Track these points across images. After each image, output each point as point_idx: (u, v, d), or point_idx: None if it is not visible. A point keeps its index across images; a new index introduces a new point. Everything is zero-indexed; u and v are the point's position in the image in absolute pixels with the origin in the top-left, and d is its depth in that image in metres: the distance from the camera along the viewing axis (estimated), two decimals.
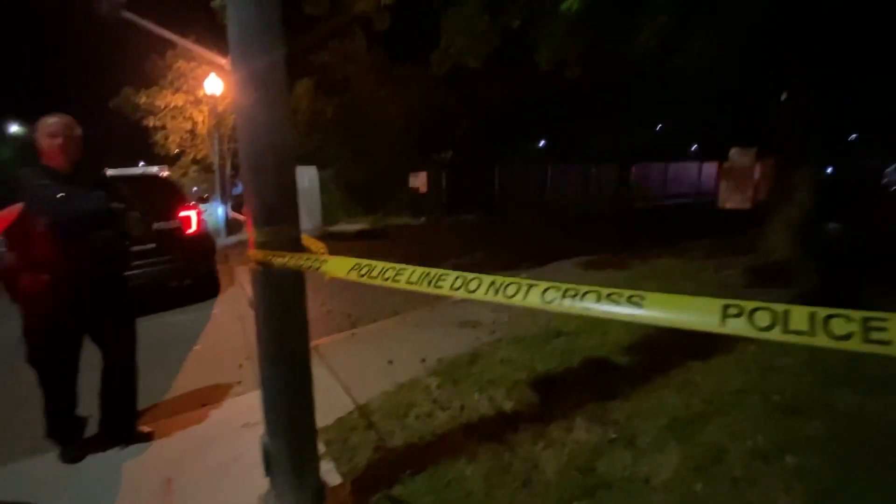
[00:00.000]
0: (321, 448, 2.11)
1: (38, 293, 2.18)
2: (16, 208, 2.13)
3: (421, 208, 15.65)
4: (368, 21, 6.24)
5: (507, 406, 2.68)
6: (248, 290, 5.99)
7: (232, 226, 13.22)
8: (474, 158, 17.77)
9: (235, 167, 15.97)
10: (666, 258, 6.75)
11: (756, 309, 0.78)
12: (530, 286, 1.03)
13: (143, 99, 15.05)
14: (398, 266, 1.26)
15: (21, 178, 2.20)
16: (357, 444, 2.38)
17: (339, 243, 10.05)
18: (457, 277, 1.13)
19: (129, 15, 10.27)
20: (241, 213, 13.85)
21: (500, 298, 1.06)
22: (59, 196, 2.16)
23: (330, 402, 2.77)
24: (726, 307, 0.80)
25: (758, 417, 2.41)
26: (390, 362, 3.46)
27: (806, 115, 5.46)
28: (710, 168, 22.57)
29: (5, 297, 2.32)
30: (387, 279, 1.25)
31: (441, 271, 1.18)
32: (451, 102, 15.27)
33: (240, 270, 7.35)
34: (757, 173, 12.54)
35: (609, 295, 0.93)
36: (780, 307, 0.76)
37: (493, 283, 1.07)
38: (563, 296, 0.97)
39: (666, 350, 3.20)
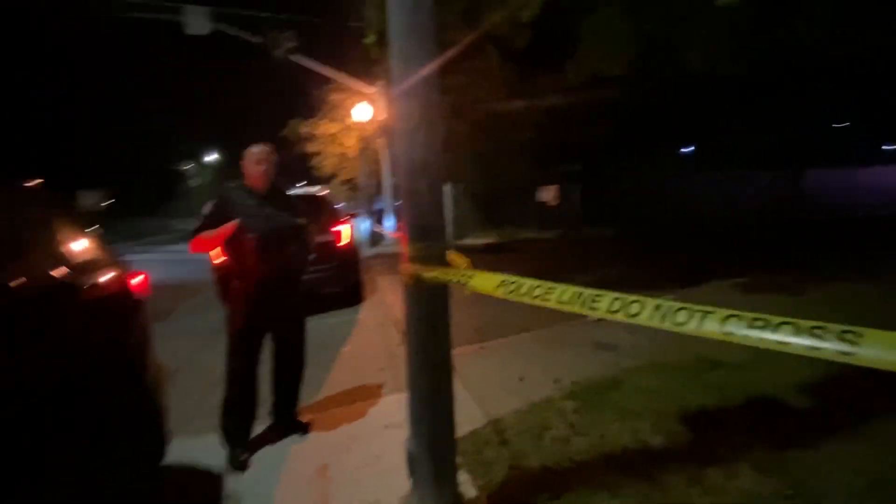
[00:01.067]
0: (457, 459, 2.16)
1: (243, 296, 2.59)
2: (232, 224, 2.48)
3: (551, 222, 15.33)
4: (501, 39, 6.37)
5: (654, 440, 2.44)
6: (389, 299, 6.48)
7: (374, 239, 14.47)
8: (609, 169, 16.87)
9: (377, 186, 17.54)
10: (850, 282, 5.57)
11: None
12: (706, 313, 0.92)
13: (305, 129, 17.42)
14: (548, 284, 1.23)
15: (232, 197, 2.61)
16: (491, 460, 2.38)
17: (467, 257, 10.31)
18: (615, 299, 1.06)
19: (297, 57, 12.06)
20: (381, 227, 15.12)
21: (667, 325, 0.97)
22: (262, 214, 2.56)
23: (463, 414, 2.81)
24: None
25: None
26: (521, 379, 3.41)
27: None
28: None
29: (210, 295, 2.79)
30: (536, 297, 1.24)
31: (595, 292, 1.12)
32: (584, 112, 14.76)
33: (381, 280, 7.97)
34: None
35: (813, 329, 0.79)
36: None
37: (658, 307, 0.99)
38: (750, 326, 0.85)
39: (860, 393, 2.62)
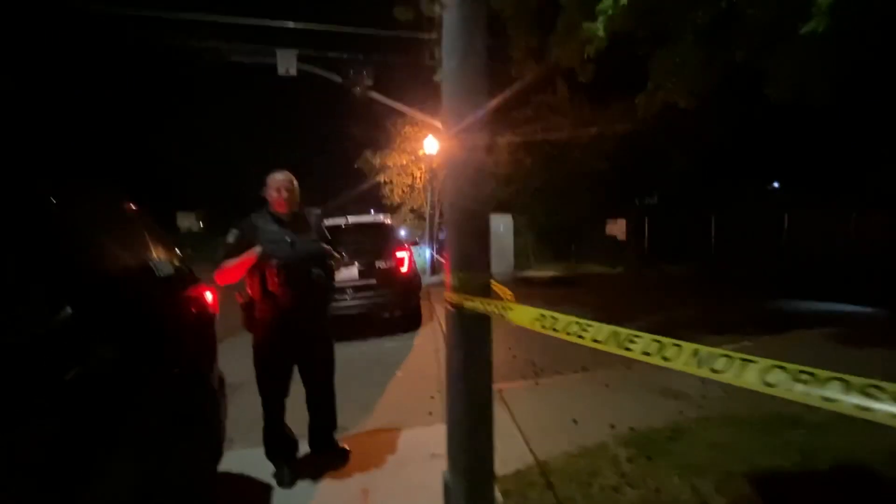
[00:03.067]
0: (498, 497, 2.09)
1: (268, 322, 2.54)
2: (255, 251, 2.47)
3: (618, 257, 14.71)
4: (571, 72, 6.39)
5: (717, 501, 2.21)
6: (445, 326, 6.51)
7: (436, 267, 14.70)
8: (685, 203, 15.98)
9: (442, 215, 17.93)
10: None
11: None
12: (746, 361, 0.86)
13: (378, 160, 18.35)
14: (584, 322, 1.20)
15: (256, 223, 2.59)
16: (535, 503, 2.28)
17: (527, 289, 10.13)
18: (652, 341, 1.01)
19: (373, 94, 12.87)
20: (443, 257, 15.36)
21: (703, 372, 0.91)
22: (286, 240, 2.54)
23: (509, 450, 2.74)
24: None
25: None
26: (575, 421, 3.25)
27: None
28: None
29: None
30: (570, 334, 1.21)
31: (632, 332, 1.08)
32: (657, 144, 14.23)
33: (439, 308, 8.05)
34: None
35: (867, 387, 0.71)
36: None
37: (696, 352, 0.93)
38: (795, 379, 0.78)
39: None
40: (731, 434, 2.88)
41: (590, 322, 1.18)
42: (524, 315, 1.39)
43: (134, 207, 2.28)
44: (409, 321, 6.70)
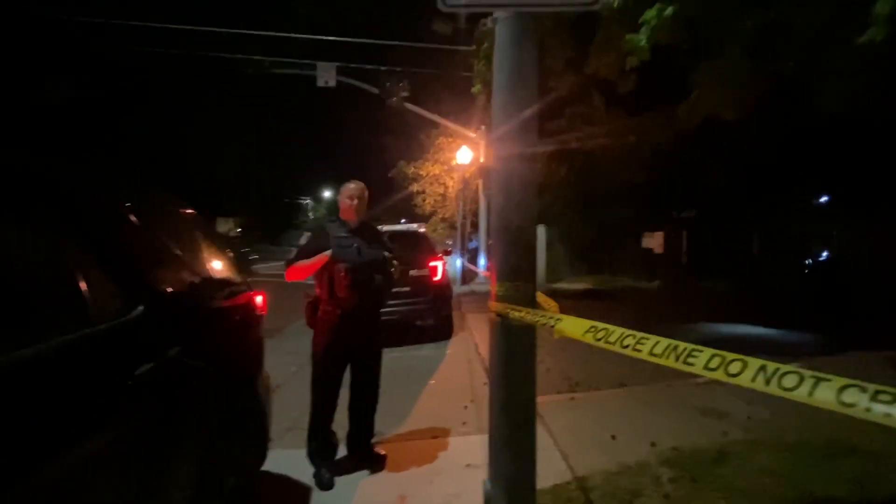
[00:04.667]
0: None
1: (329, 323, 2.70)
2: (325, 255, 2.64)
3: (655, 271, 14.32)
4: (607, 83, 6.33)
5: None
6: (477, 336, 6.49)
7: (466, 276, 14.70)
8: (725, 217, 15.44)
9: (473, 225, 17.94)
10: None
11: None
12: (818, 379, 0.83)
13: (412, 169, 18.62)
14: (640, 334, 1.19)
15: (327, 229, 2.78)
16: None
17: (559, 302, 9.96)
18: (713, 356, 1.00)
19: (409, 105, 13.11)
20: (474, 266, 15.33)
21: (772, 389, 0.88)
22: (354, 246, 2.74)
23: (546, 465, 2.69)
24: None
25: None
26: (613, 438, 3.18)
27: None
28: None
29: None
30: (626, 346, 1.20)
31: (692, 346, 1.06)
32: (697, 156, 13.83)
33: (470, 317, 8.03)
34: None
35: None
36: None
37: (763, 368, 0.91)
38: (873, 399, 0.75)
39: None
40: (781, 459, 2.75)
41: (646, 335, 1.17)
42: (574, 326, 1.39)
43: (190, 212, 2.41)
44: (442, 330, 6.72)
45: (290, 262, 2.77)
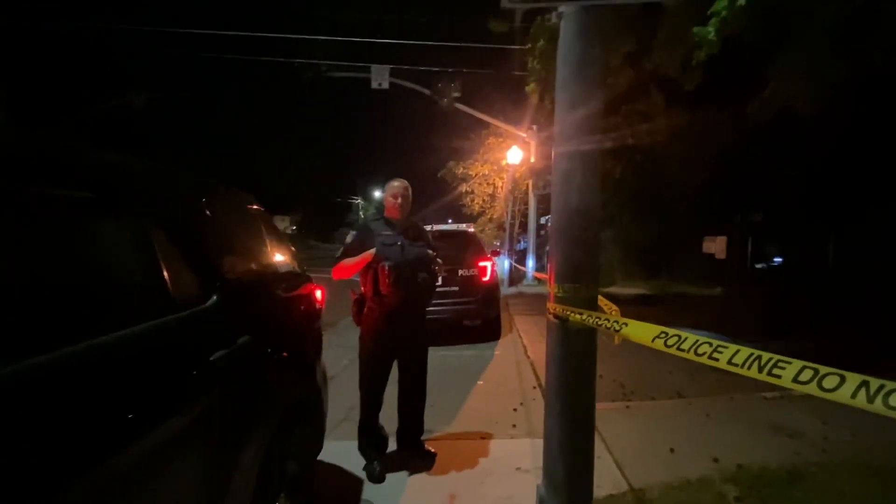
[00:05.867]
0: None
1: (375, 320, 2.74)
2: (370, 253, 2.68)
3: (717, 277, 13.52)
4: (666, 78, 6.03)
5: None
6: (525, 338, 6.40)
7: (514, 277, 14.53)
8: (795, 221, 14.34)
9: (522, 226, 17.72)
10: None
11: None
12: None
13: (461, 169, 18.65)
14: (716, 342, 1.12)
15: (372, 227, 2.82)
16: None
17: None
18: (804, 368, 0.92)
19: (459, 105, 13.14)
20: (522, 267, 15.13)
21: (877, 407, 0.80)
22: (398, 244, 2.75)
23: (601, 474, 2.60)
24: None
25: None
26: (672, 451, 3.02)
27: None
28: None
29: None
30: (701, 354, 1.13)
31: (778, 357, 0.98)
32: (765, 156, 12.94)
33: (518, 319, 7.93)
34: None
35: None
36: None
37: (865, 383, 0.83)
38: None
39: None
40: (861, 483, 2.52)
41: (724, 343, 1.10)
42: (642, 332, 1.33)
43: (257, 208, 2.52)
44: (489, 331, 6.68)
45: (336, 261, 2.81)
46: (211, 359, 1.43)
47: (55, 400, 0.96)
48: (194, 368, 1.37)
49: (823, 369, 0.90)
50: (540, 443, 1.99)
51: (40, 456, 0.89)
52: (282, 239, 2.61)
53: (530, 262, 14.79)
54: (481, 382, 4.71)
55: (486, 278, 6.43)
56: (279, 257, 2.40)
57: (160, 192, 1.55)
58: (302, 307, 2.38)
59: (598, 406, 3.86)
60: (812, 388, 0.89)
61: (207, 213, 1.75)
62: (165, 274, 1.37)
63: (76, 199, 1.20)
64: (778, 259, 6.93)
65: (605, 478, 2.61)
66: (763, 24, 4.04)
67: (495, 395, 4.27)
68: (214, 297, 1.53)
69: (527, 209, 15.78)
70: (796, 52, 4.33)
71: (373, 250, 2.69)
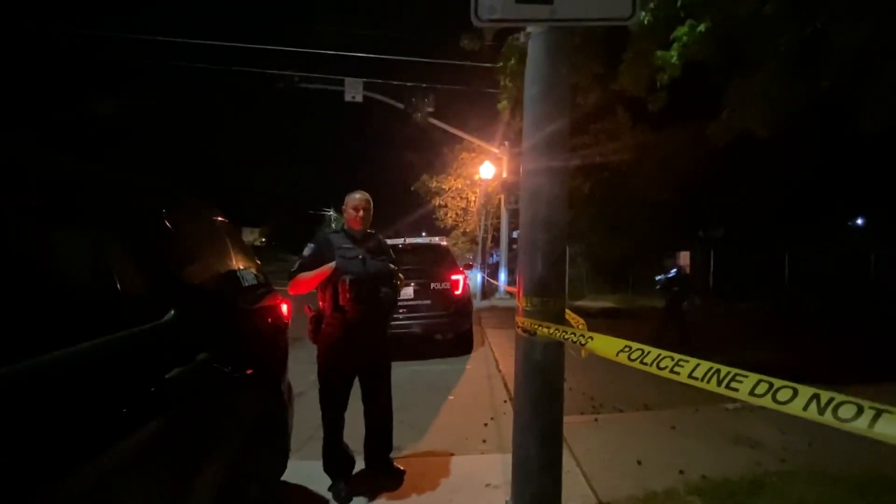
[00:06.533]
0: None
1: (333, 336, 2.61)
2: (329, 266, 2.56)
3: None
4: (633, 99, 6.27)
5: None
6: (497, 352, 6.41)
7: (486, 291, 14.61)
8: (754, 238, 15.03)
9: (494, 239, 17.90)
10: None
11: None
12: (879, 411, 0.78)
13: (434, 183, 18.74)
14: (678, 356, 1.14)
15: (331, 239, 2.70)
16: None
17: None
18: (760, 381, 0.95)
19: (433, 120, 13.26)
20: (494, 280, 15.23)
21: (826, 419, 0.83)
22: (359, 257, 2.67)
23: (569, 487, 2.60)
24: None
25: None
26: (639, 463, 3.06)
27: None
28: None
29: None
30: (663, 368, 1.15)
31: (735, 370, 1.01)
32: (726, 175, 13.55)
33: (490, 332, 7.95)
34: None
35: None
36: None
37: (816, 396, 0.86)
38: None
39: None
40: (820, 492, 2.60)
41: (685, 357, 1.12)
42: (607, 345, 1.35)
43: (222, 220, 2.45)
44: (461, 345, 6.66)
45: (292, 275, 2.65)
46: (167, 376, 1.37)
47: None
48: (148, 386, 1.30)
49: (778, 382, 0.93)
50: (510, 458, 1.98)
51: None
52: (247, 252, 2.54)
53: (502, 276, 14.90)
54: (452, 397, 4.67)
55: (459, 292, 6.43)
56: (244, 271, 2.33)
57: (116, 202, 1.48)
58: (267, 321, 2.31)
59: (567, 419, 3.88)
60: (767, 401, 0.92)
61: (167, 224, 1.68)
62: (119, 286, 1.30)
63: (24, 206, 1.14)
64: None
65: (574, 490, 2.61)
66: (722, 50, 4.26)
67: (466, 410, 4.23)
68: (172, 312, 1.46)
69: (499, 223, 15.96)
70: (752, 78, 4.58)
71: (332, 264, 2.58)
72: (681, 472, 2.89)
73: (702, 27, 3.78)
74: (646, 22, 4.28)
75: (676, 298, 7.55)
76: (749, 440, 3.39)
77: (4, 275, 1.04)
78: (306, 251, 2.71)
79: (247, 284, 2.26)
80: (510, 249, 15.31)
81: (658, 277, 7.90)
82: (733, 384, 0.99)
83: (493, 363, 5.96)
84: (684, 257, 14.64)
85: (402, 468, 2.91)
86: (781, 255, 14.07)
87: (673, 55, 4.07)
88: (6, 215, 1.08)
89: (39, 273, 1.16)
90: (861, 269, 14.01)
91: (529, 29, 1.80)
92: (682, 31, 3.93)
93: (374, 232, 2.87)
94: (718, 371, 1.03)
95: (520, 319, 1.80)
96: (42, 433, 0.97)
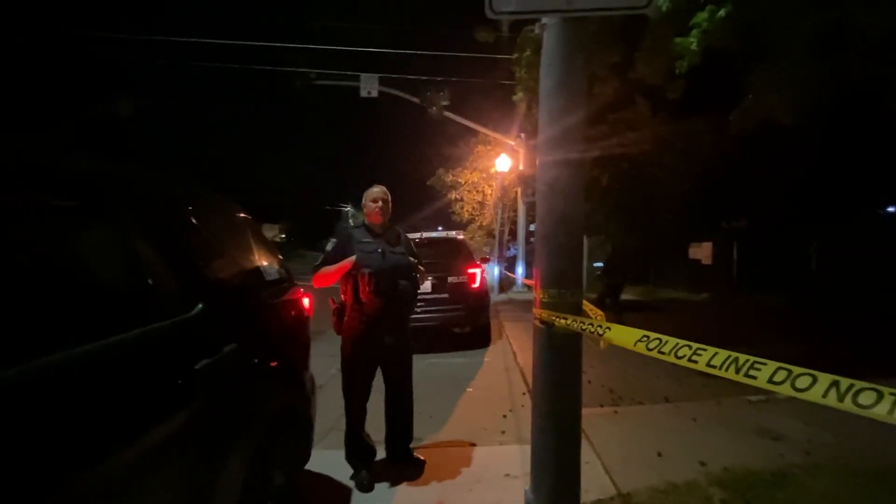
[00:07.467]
0: None
1: (355, 329, 2.70)
2: (350, 260, 2.65)
3: (703, 283, 13.71)
4: (652, 88, 6.15)
5: None
6: (514, 345, 6.41)
7: (504, 284, 14.58)
8: (779, 228, 14.62)
9: (511, 232, 17.83)
10: None
11: None
12: None
13: (450, 177, 18.75)
14: (696, 345, 1.15)
15: (352, 234, 2.79)
16: None
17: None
18: (778, 369, 0.95)
19: (448, 113, 13.24)
20: (512, 273, 15.19)
21: (846, 406, 0.83)
22: (378, 251, 2.71)
23: (589, 479, 2.61)
24: None
25: None
26: (659, 454, 3.05)
27: None
28: None
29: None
30: (681, 357, 1.15)
31: (754, 359, 1.01)
32: (748, 164, 13.18)
33: (508, 325, 7.95)
34: None
35: None
36: None
37: (835, 383, 0.85)
38: None
39: None
40: (844, 486, 2.56)
41: (703, 346, 1.12)
42: (625, 336, 1.35)
43: (244, 216, 2.52)
44: (479, 338, 6.69)
45: (315, 269, 2.77)
46: (196, 367, 1.43)
47: (35, 409, 0.95)
48: (178, 377, 1.36)
49: (797, 370, 0.93)
50: (529, 449, 2.00)
51: (19, 466, 0.88)
52: (269, 247, 2.60)
53: (520, 269, 14.84)
54: (470, 389, 4.71)
55: (476, 285, 6.45)
56: (267, 265, 2.39)
57: (145, 200, 1.54)
58: (290, 315, 2.37)
59: (587, 411, 3.88)
60: (786, 389, 0.92)
61: (193, 220, 1.75)
62: (150, 281, 1.36)
63: (59, 207, 1.20)
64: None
65: (593, 482, 2.62)
66: (743, 35, 4.15)
67: (484, 402, 4.26)
68: (200, 305, 1.52)
69: (516, 216, 15.88)
70: (776, 64, 4.45)
71: (353, 257, 2.66)
72: (702, 463, 2.88)
73: (722, 12, 3.68)
74: (664, 9, 4.19)
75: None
76: (772, 432, 3.34)
77: (46, 272, 1.11)
78: (329, 246, 2.84)
79: (270, 279, 2.32)
80: (528, 242, 15.25)
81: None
82: (752, 372, 0.99)
83: (511, 356, 5.97)
84: (706, 249, 14.39)
85: (422, 458, 2.96)
86: (808, 246, 13.66)
87: (692, 42, 3.98)
88: (45, 216, 1.14)
89: (75, 270, 1.23)
90: (892, 260, 13.49)
91: (544, 20, 1.79)
92: (701, 16, 3.84)
93: (393, 226, 2.92)
94: (737, 359, 1.03)
95: (537, 311, 1.81)
96: (80, 421, 1.03)
